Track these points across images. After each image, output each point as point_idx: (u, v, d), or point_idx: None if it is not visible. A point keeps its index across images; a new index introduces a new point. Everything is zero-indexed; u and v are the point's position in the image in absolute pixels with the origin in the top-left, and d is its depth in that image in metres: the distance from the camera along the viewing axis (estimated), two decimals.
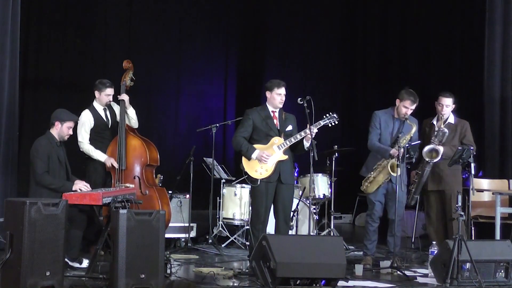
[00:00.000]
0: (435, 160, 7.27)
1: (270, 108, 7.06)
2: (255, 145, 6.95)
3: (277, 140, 6.96)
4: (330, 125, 7.01)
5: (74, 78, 10.13)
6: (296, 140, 6.90)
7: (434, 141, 7.30)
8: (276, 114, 7.06)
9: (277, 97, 6.99)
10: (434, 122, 7.48)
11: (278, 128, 7.02)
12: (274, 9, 11.82)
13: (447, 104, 7.40)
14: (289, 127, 7.06)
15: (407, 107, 7.20)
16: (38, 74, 10.11)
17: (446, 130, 7.30)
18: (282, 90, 7.00)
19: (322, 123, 6.96)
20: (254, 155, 6.90)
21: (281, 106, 7.04)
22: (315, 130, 6.87)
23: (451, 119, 7.49)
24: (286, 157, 6.97)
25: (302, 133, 6.88)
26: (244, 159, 6.97)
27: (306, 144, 6.92)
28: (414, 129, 7.16)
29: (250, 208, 7.66)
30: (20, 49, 7.80)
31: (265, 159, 6.87)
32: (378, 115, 7.35)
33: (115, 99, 7.56)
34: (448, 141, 7.34)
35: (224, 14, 11.54)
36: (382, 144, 7.24)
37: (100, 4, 10.48)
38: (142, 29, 10.82)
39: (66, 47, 10.28)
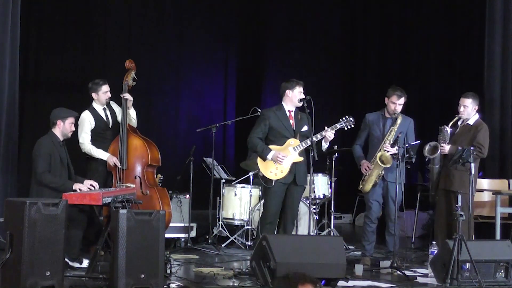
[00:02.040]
0: (432, 156, 7.29)
1: (287, 108, 7.01)
2: (270, 146, 6.92)
3: (293, 142, 6.92)
4: (346, 128, 7.01)
5: (74, 78, 10.12)
6: (312, 141, 6.88)
7: (440, 139, 7.31)
8: (293, 114, 7.02)
9: (299, 95, 6.97)
10: (459, 122, 7.43)
11: (294, 129, 6.98)
12: (274, 9, 11.82)
13: (465, 105, 7.33)
14: (305, 128, 7.01)
15: (394, 102, 7.22)
16: (38, 74, 10.11)
17: (447, 128, 7.29)
18: (302, 89, 7.00)
19: (338, 126, 6.96)
20: (269, 156, 6.86)
21: (300, 104, 7.01)
22: (333, 132, 6.89)
23: (472, 120, 7.41)
24: (301, 158, 6.94)
25: (318, 135, 6.85)
26: (259, 160, 6.93)
27: (325, 145, 6.96)
28: (399, 120, 7.17)
29: (257, 208, 7.54)
30: (20, 49, 7.81)
31: (280, 160, 6.83)
32: (366, 117, 7.43)
33: (117, 98, 7.56)
34: (460, 141, 7.29)
35: (224, 14, 11.54)
36: (373, 143, 7.28)
37: (100, 4, 10.48)
38: (142, 29, 10.82)
39: (66, 47, 10.28)
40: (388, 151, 7.13)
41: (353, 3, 12.14)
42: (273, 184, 6.86)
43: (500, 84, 8.75)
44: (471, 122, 7.41)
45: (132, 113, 7.59)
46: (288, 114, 7.01)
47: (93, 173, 7.35)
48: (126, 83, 7.60)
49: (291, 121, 7.00)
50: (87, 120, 7.36)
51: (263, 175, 6.91)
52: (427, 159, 7.48)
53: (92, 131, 7.39)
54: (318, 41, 11.93)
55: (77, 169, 7.09)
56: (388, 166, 7.10)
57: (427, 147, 7.30)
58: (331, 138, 6.91)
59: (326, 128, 6.89)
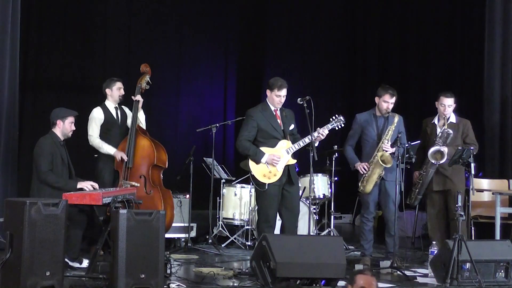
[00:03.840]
0: (441, 162, 7.25)
1: (272, 107, 6.96)
2: (262, 148, 6.85)
3: (285, 144, 6.88)
4: (337, 128, 6.97)
5: (74, 78, 10.13)
6: (305, 144, 6.85)
7: (438, 142, 7.28)
8: (278, 113, 6.95)
9: (275, 98, 6.87)
10: (436, 122, 7.46)
11: (283, 128, 6.95)
12: (274, 9, 11.81)
13: (449, 104, 7.38)
14: (292, 126, 6.99)
15: (387, 101, 7.18)
16: (38, 75, 10.10)
17: (450, 131, 7.29)
18: (282, 92, 6.87)
19: (330, 126, 6.90)
20: (263, 159, 6.78)
21: (279, 107, 6.95)
22: (326, 132, 6.85)
23: (452, 118, 7.46)
24: (294, 161, 6.91)
25: (311, 137, 6.81)
26: (251, 163, 6.85)
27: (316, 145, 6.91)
28: (396, 119, 7.15)
29: (256, 210, 7.51)
30: (20, 49, 7.81)
31: (276, 162, 6.79)
32: (357, 118, 7.36)
33: (129, 101, 7.57)
34: (451, 141, 7.31)
35: (224, 14, 11.53)
36: (368, 143, 7.23)
37: (100, 4, 10.47)
38: (142, 29, 10.82)
39: (66, 47, 10.27)
40: (387, 151, 7.10)
41: (353, 3, 12.13)
42: (266, 187, 6.82)
43: (500, 84, 8.76)
44: (453, 120, 7.46)
45: (141, 116, 7.62)
46: (274, 113, 6.93)
47: (101, 172, 7.38)
48: (139, 86, 7.66)
49: (279, 121, 6.93)
50: (97, 115, 7.42)
51: (256, 178, 6.85)
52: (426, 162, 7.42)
53: (100, 126, 7.42)
54: (318, 41, 11.92)
55: (79, 169, 7.10)
56: (389, 166, 7.07)
57: (430, 152, 7.24)
58: (322, 139, 6.88)
59: (318, 129, 6.83)
